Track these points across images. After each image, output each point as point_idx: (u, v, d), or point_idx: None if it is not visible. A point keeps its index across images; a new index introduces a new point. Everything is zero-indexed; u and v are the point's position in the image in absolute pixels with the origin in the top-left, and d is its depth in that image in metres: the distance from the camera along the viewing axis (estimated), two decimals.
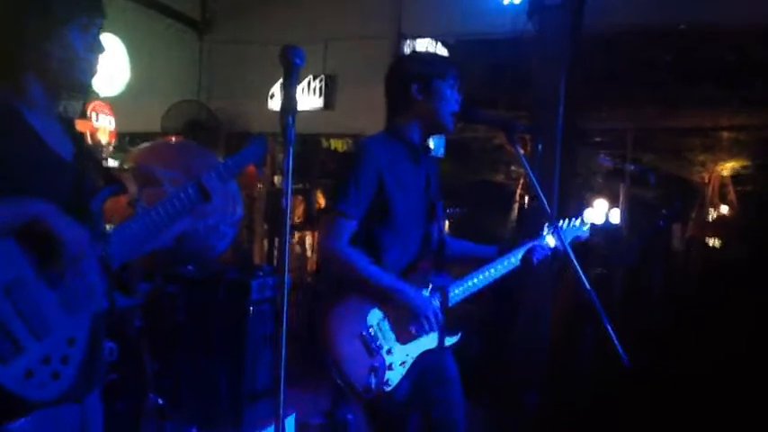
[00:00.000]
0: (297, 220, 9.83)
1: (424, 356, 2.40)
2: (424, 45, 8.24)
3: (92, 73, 1.71)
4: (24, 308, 1.46)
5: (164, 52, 8.22)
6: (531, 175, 2.54)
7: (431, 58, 2.71)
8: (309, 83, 8.14)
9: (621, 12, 6.26)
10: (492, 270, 2.61)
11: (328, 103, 8.10)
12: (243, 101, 8.43)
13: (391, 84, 2.62)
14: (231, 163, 2.05)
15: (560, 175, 6.11)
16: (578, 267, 2.38)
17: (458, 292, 2.51)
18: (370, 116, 7.95)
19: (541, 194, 2.46)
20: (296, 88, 1.93)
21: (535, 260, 2.70)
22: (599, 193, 11.20)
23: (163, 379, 3.50)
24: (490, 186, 13.62)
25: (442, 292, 2.46)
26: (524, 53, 6.80)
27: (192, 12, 8.38)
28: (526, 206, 12.12)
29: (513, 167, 12.99)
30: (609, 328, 2.31)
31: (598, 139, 8.51)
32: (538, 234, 2.78)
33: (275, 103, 8.37)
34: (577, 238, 2.95)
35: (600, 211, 12.27)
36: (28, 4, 1.59)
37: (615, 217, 11.88)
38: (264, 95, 8.35)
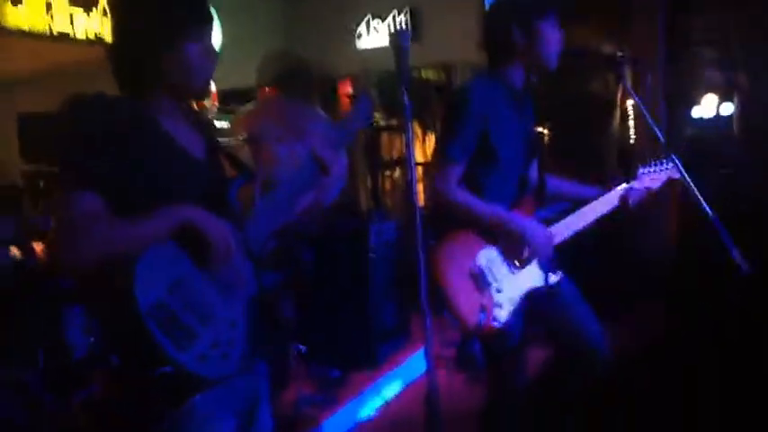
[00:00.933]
0: (396, 156, 9.90)
1: (532, 294, 2.44)
2: None
3: (209, 78, 1.79)
4: (191, 300, 1.60)
5: (247, 8, 8.34)
6: (644, 109, 2.49)
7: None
8: (394, 17, 8.09)
9: None
10: (591, 213, 2.59)
11: (415, 36, 8.04)
12: (330, 45, 8.48)
13: (490, 28, 2.59)
14: (343, 129, 2.03)
15: (664, 78, 5.88)
16: (697, 194, 2.35)
17: (559, 231, 2.51)
18: (457, 44, 7.88)
19: (654, 124, 2.41)
20: (408, 68, 1.95)
21: (632, 202, 2.64)
22: (708, 89, 10.59)
23: (301, 329, 3.73)
24: (587, 97, 13.09)
25: (548, 229, 2.49)
26: None
27: None
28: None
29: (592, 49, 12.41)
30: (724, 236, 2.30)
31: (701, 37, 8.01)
32: (634, 175, 2.69)
33: (363, 43, 8.40)
34: (669, 178, 2.82)
35: (710, 106, 11.63)
36: (148, 21, 1.68)
37: (727, 110, 11.26)
38: (351, 36, 8.39)
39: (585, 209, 2.58)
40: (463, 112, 2.41)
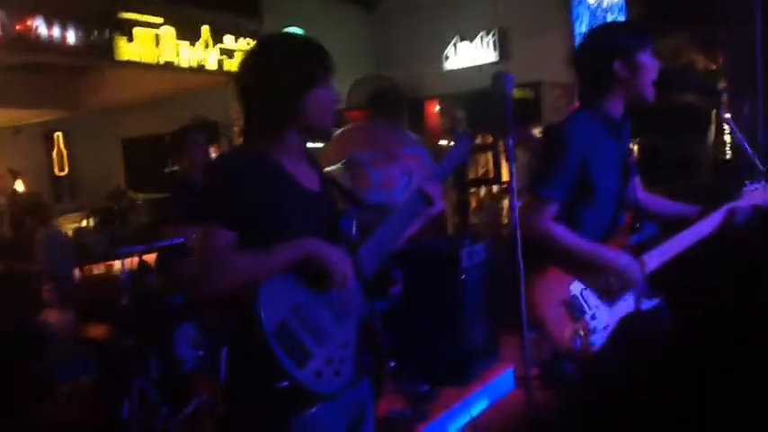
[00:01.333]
0: (483, 174, 9.95)
1: (626, 320, 2.45)
2: None
3: (333, 120, 1.97)
4: (308, 322, 1.77)
5: (338, 33, 8.62)
6: (741, 138, 2.47)
7: (627, 29, 2.58)
8: (482, 38, 8.20)
9: None
10: (689, 235, 2.56)
11: (503, 56, 8.14)
12: (418, 67, 8.65)
13: (589, 60, 2.52)
14: (445, 166, 2.18)
15: (762, 90, 5.72)
16: None
17: (655, 259, 2.51)
18: (544, 64, 7.92)
19: (752, 152, 2.40)
20: (511, 110, 2.05)
21: (738, 221, 2.58)
22: None
23: (394, 345, 3.85)
24: (681, 108, 12.76)
25: (640, 259, 2.49)
26: None
27: None
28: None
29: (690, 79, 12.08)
30: None
31: None
32: (738, 193, 2.63)
33: (451, 64, 8.55)
34: None
35: None
36: (279, 79, 1.85)
37: None
38: (439, 58, 8.55)
39: (683, 234, 2.53)
40: (563, 153, 2.39)
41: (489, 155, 9.86)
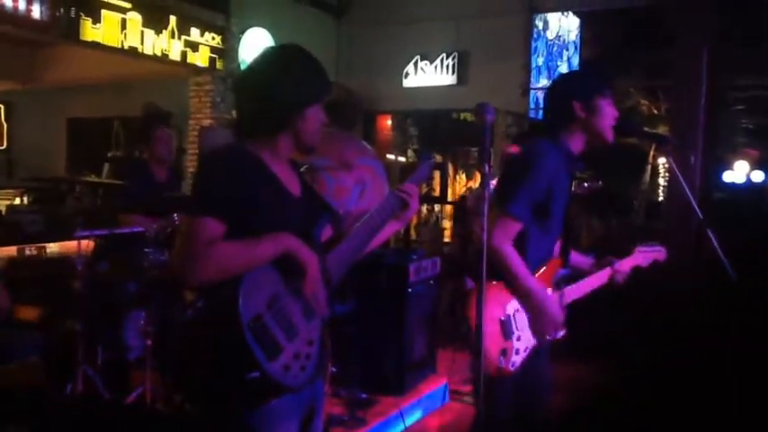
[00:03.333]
0: (428, 192, 10.13)
1: (536, 348, 2.67)
2: (557, 18, 8.27)
3: (319, 138, 2.04)
4: (281, 317, 1.84)
5: (304, 38, 8.69)
6: (684, 184, 2.69)
7: (589, 75, 2.81)
8: (443, 60, 8.41)
9: None
10: (590, 283, 2.81)
11: (461, 80, 8.36)
12: (377, 80, 8.79)
13: (553, 100, 2.76)
14: (417, 176, 2.30)
15: (703, 139, 6.08)
16: (723, 260, 2.57)
17: (571, 295, 2.73)
18: (501, 90, 8.19)
19: (694, 202, 2.63)
20: (491, 141, 2.17)
21: (618, 280, 2.84)
22: (740, 155, 10.79)
23: (337, 351, 3.94)
24: (622, 148, 13.33)
25: (561, 293, 2.71)
26: (661, 22, 6.74)
27: None
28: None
29: (645, 128, 12.66)
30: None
31: (741, 107, 8.25)
32: (627, 253, 2.91)
33: (409, 82, 8.73)
34: (657, 259, 3.03)
35: (741, 172, 11.80)
36: (287, 91, 1.94)
37: (758, 177, 11.42)
38: (399, 75, 8.72)
39: (588, 280, 2.77)
40: (532, 172, 2.55)
41: (437, 174, 10.08)
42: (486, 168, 2.11)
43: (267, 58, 2.06)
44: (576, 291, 2.76)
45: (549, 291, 2.66)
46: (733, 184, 10.84)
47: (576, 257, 2.94)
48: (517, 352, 2.55)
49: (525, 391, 2.64)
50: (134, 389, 3.63)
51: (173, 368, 3.21)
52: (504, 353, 2.52)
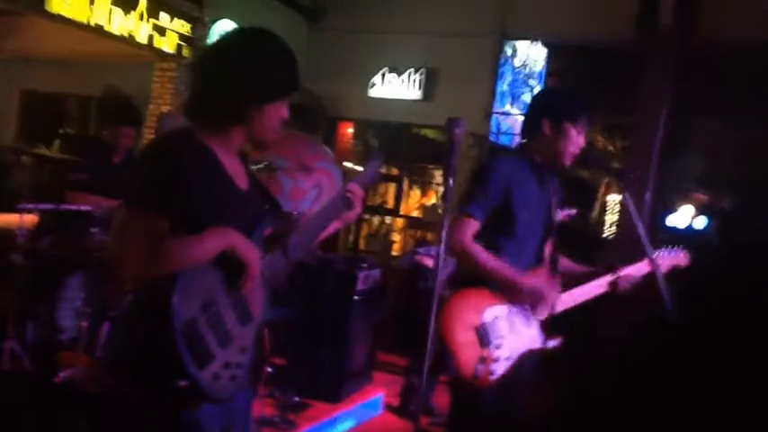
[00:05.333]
0: (380, 204, 10.16)
1: (526, 355, 2.65)
2: (526, 46, 8.41)
3: (275, 134, 1.93)
4: (214, 322, 1.73)
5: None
6: (637, 220, 2.76)
7: (568, 99, 2.86)
8: (410, 75, 8.45)
9: (732, 28, 6.29)
10: (589, 291, 2.81)
11: (427, 95, 8.41)
12: (343, 87, 8.78)
13: (528, 111, 2.88)
14: (365, 177, 2.26)
15: (655, 179, 6.26)
16: (666, 295, 2.63)
17: (563, 303, 2.73)
18: (465, 109, 8.25)
19: (645, 237, 2.69)
20: (457, 156, 2.19)
21: (622, 287, 2.85)
22: (687, 199, 11.10)
23: (274, 351, 3.89)
24: (574, 181, 13.61)
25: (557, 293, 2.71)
26: (627, 61, 6.91)
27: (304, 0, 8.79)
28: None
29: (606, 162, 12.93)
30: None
31: (694, 152, 8.52)
32: (634, 261, 2.90)
33: (375, 92, 8.74)
34: (677, 265, 3.03)
35: (685, 216, 12.10)
36: (250, 80, 1.83)
37: (700, 223, 11.76)
38: (365, 84, 8.72)
39: (587, 286, 2.78)
40: (487, 176, 2.64)
41: (392, 187, 10.12)
42: (450, 182, 2.13)
43: (239, 38, 1.94)
44: (570, 298, 2.74)
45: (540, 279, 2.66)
46: (675, 228, 11.12)
47: (571, 265, 2.95)
48: (497, 360, 2.56)
49: (506, 395, 2.62)
50: (63, 370, 3.52)
51: (106, 353, 3.14)
52: (483, 360, 2.52)
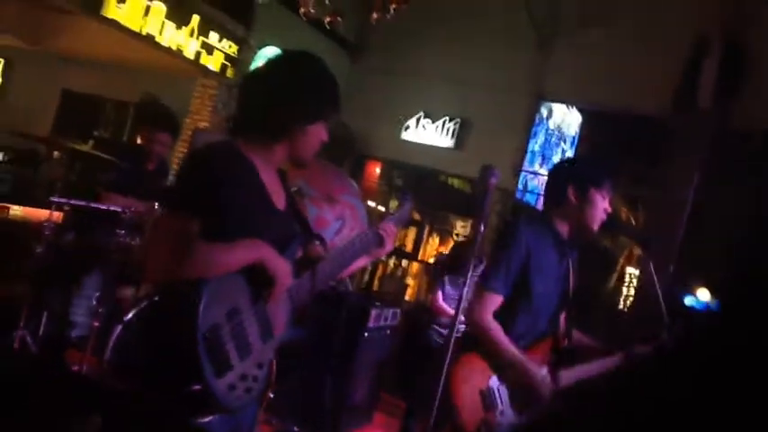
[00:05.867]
0: (401, 247, 10.15)
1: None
2: (562, 110, 8.48)
3: (314, 155, 2.01)
4: (237, 332, 1.74)
5: None
6: (659, 292, 2.74)
7: (591, 165, 2.87)
8: (444, 122, 8.53)
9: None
10: (596, 367, 2.79)
11: (459, 145, 8.47)
12: (376, 125, 8.87)
13: (552, 179, 2.84)
14: (398, 217, 2.35)
15: (678, 255, 6.22)
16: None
17: (566, 378, 2.71)
18: (495, 163, 8.23)
19: (664, 309, 2.68)
20: (490, 205, 2.21)
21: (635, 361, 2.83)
22: (704, 283, 11.01)
23: (278, 378, 3.86)
24: (594, 248, 13.54)
25: (554, 376, 2.69)
26: (660, 135, 6.94)
27: (348, 35, 8.93)
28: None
29: (621, 237, 12.90)
30: None
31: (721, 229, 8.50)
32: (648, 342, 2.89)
33: (408, 135, 8.83)
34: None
35: (701, 300, 11.99)
36: (297, 101, 1.91)
37: (716, 307, 11.64)
38: (399, 126, 8.81)
39: (591, 365, 2.74)
40: (510, 243, 2.61)
41: (412, 231, 10.12)
42: (481, 228, 2.14)
43: (288, 59, 2.01)
44: (574, 374, 2.72)
45: (544, 370, 2.64)
46: (692, 307, 10.99)
47: (581, 337, 2.92)
48: (500, 426, 2.54)
49: None
50: (69, 367, 3.52)
51: (115, 355, 3.12)
52: (486, 423, 2.51)
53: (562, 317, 2.80)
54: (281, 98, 1.90)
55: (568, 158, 2.93)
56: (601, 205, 2.70)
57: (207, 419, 1.76)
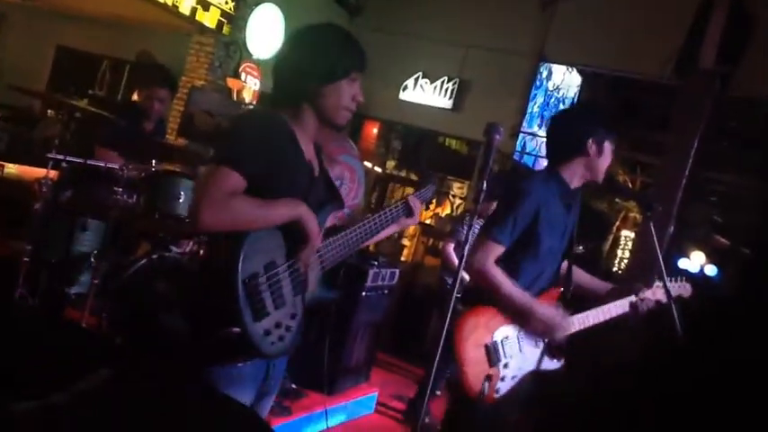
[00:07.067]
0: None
1: (529, 375, 2.64)
2: (562, 71, 8.40)
3: (349, 117, 2.08)
4: (273, 283, 1.87)
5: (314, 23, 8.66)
6: (659, 251, 2.74)
7: (605, 116, 2.82)
8: (443, 83, 8.46)
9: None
10: (602, 313, 2.77)
11: (456, 106, 8.42)
12: (375, 85, 8.77)
13: (565, 130, 2.74)
14: (422, 194, 2.39)
15: (676, 218, 6.24)
16: (677, 323, 2.60)
17: (577, 324, 2.70)
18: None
19: (663, 269, 2.68)
20: (493, 159, 2.21)
21: (642, 310, 2.81)
22: (705, 243, 11.06)
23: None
24: (591, 213, 13.58)
25: (570, 319, 2.68)
26: (659, 99, 6.90)
27: None
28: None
29: (617, 200, 12.94)
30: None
31: (713, 199, 8.47)
32: (649, 285, 2.87)
33: (406, 96, 8.76)
34: (680, 296, 3.01)
35: (695, 263, 12.05)
36: (319, 56, 2.00)
37: (710, 271, 11.72)
38: (398, 86, 8.74)
39: (605, 307, 2.75)
40: (519, 202, 2.58)
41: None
42: (483, 185, 2.13)
43: (301, 32, 2.10)
44: (583, 321, 2.71)
45: (558, 309, 2.63)
46: (686, 271, 11.09)
47: (588, 278, 2.94)
48: (503, 379, 2.56)
49: (502, 410, 2.62)
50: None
51: (116, 311, 3.14)
52: (489, 379, 2.52)
53: (564, 266, 2.80)
54: (292, 63, 2.03)
55: (575, 108, 2.85)
56: (609, 157, 2.69)
57: (241, 364, 1.89)
